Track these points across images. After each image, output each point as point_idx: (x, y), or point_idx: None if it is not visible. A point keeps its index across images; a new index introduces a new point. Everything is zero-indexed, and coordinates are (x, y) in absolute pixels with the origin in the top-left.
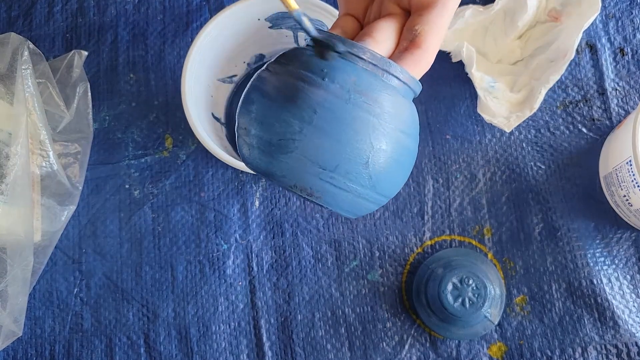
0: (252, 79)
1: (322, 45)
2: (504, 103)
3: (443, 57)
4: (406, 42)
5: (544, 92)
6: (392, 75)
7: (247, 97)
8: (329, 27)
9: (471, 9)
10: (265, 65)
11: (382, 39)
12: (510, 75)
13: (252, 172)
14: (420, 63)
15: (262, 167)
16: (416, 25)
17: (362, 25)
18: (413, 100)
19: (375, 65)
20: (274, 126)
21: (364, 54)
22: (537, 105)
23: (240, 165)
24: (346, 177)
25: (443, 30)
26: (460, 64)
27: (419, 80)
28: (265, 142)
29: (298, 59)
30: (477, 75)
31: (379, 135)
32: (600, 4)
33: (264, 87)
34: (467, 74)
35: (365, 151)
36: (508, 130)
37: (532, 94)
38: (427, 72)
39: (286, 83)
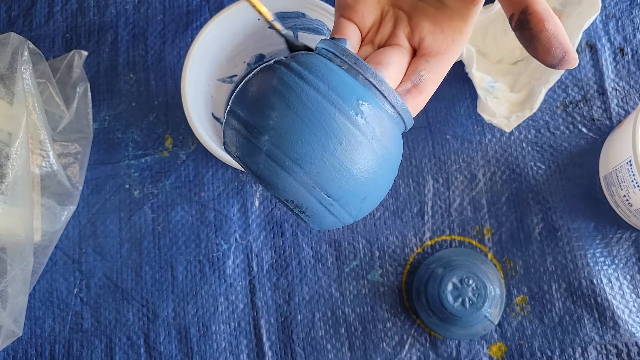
0: (270, 73)
1: (348, 63)
2: (504, 103)
3: None
4: (410, 84)
5: (544, 92)
6: (401, 117)
7: (266, 98)
8: (331, 29)
9: None
10: (288, 61)
11: (393, 73)
12: (510, 75)
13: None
14: (418, 107)
15: (267, 177)
16: (423, 71)
17: (362, 38)
18: None
19: (391, 105)
20: (296, 143)
21: (386, 90)
22: (537, 105)
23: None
24: (343, 207)
25: (443, 77)
26: (460, 64)
27: None
28: (281, 155)
29: (326, 76)
30: (477, 75)
31: (385, 175)
32: (600, 4)
33: (288, 95)
34: (467, 74)
35: (369, 188)
36: (508, 130)
37: (532, 94)
38: None
39: (317, 103)
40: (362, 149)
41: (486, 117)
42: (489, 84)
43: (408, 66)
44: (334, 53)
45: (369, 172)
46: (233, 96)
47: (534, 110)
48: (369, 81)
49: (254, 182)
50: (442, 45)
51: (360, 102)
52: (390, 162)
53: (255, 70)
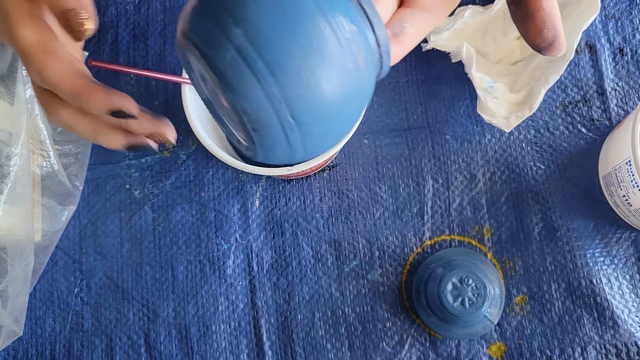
0: None
1: None
2: (503, 103)
3: (442, 57)
4: (390, 33)
5: (543, 92)
6: (381, 58)
7: None
8: None
9: (471, 9)
10: None
11: (382, 12)
12: (510, 75)
13: (251, 172)
14: (393, 59)
15: (229, 76)
16: (406, 22)
17: None
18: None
19: (377, 42)
20: (275, 46)
21: (377, 25)
22: (536, 106)
23: (241, 165)
24: (302, 136)
25: (425, 35)
26: (460, 64)
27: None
28: (254, 55)
29: None
30: (477, 76)
31: (355, 113)
32: (599, 5)
33: None
34: (466, 74)
35: (336, 123)
36: (507, 131)
37: (531, 94)
38: (426, 72)
39: (308, 7)
40: (344, 75)
41: (486, 117)
42: (489, 84)
43: (393, 15)
44: None
45: (343, 104)
46: None
47: (534, 110)
48: (363, 8)
49: (254, 182)
50: (432, 2)
51: (351, 24)
52: (362, 101)
53: None
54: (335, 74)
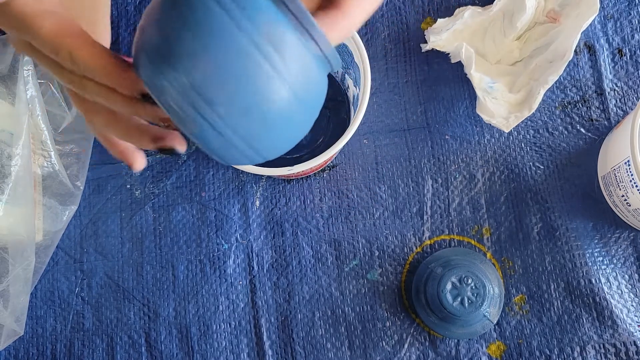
0: None
1: None
2: (502, 103)
3: (442, 57)
4: (326, 2)
5: (542, 92)
6: (312, 38)
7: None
8: None
9: (470, 10)
10: None
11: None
12: (509, 75)
13: (251, 172)
14: (338, 27)
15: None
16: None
17: None
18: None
19: (297, 20)
20: (168, 33)
21: (310, 26)
22: (535, 106)
23: (241, 165)
24: (221, 118)
25: (374, 5)
26: (460, 64)
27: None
28: (155, 47)
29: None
30: (476, 76)
31: (269, 88)
32: (598, 5)
33: (198, 19)
34: (466, 74)
35: (248, 98)
36: (507, 131)
37: (530, 95)
38: (426, 72)
39: (229, 33)
40: (281, 96)
41: (485, 117)
42: (488, 85)
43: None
44: None
45: (288, 120)
46: (145, 13)
47: (533, 110)
48: (292, 13)
49: (255, 182)
50: None
51: (280, 36)
52: (312, 108)
53: None
54: (272, 95)
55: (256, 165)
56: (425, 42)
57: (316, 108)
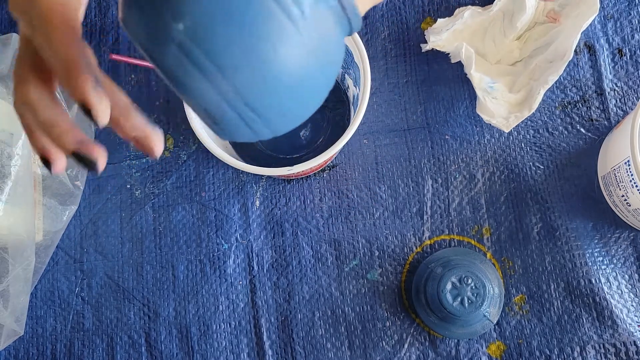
0: None
1: None
2: (502, 103)
3: (442, 57)
4: None
5: (542, 92)
6: (347, 17)
7: None
8: None
9: (470, 10)
10: None
11: None
12: (509, 75)
13: (251, 172)
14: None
15: (176, 76)
16: None
17: None
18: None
19: (339, 1)
20: (220, 41)
21: None
22: (535, 106)
23: (241, 165)
24: (265, 122)
25: None
26: (460, 64)
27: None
28: (198, 53)
29: None
30: (476, 76)
31: (284, 42)
32: (598, 5)
33: None
34: (466, 74)
35: (300, 104)
36: (507, 131)
37: (531, 95)
38: (426, 72)
39: None
40: (299, 57)
41: (485, 117)
42: (488, 85)
43: None
44: None
45: (304, 86)
46: None
47: (533, 110)
48: None
49: (255, 182)
50: None
51: (312, 2)
52: (328, 74)
53: None
54: (290, 55)
55: (256, 165)
56: (425, 42)
57: (333, 74)
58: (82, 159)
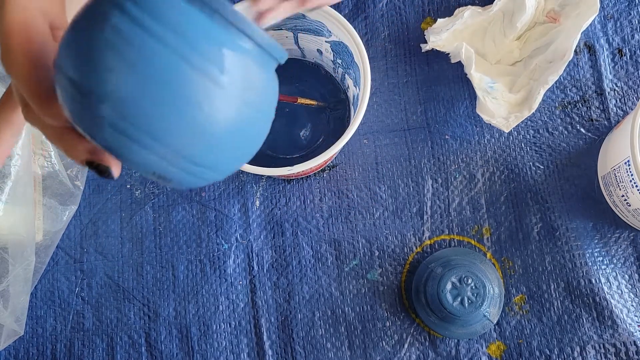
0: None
1: None
2: (502, 104)
3: (442, 57)
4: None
5: (542, 92)
6: (245, 34)
7: (99, 54)
8: None
9: (470, 10)
10: None
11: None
12: (509, 75)
13: (251, 172)
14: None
15: (117, 150)
16: None
17: None
18: None
19: (256, 44)
20: (146, 113)
21: (246, 27)
22: (535, 106)
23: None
24: (213, 170)
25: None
26: (459, 64)
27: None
28: (130, 128)
29: (174, 21)
30: (476, 76)
31: (206, 101)
32: (598, 5)
33: (128, 52)
34: (465, 74)
35: (242, 147)
36: (507, 131)
37: (530, 95)
38: (426, 72)
39: (167, 61)
40: (228, 108)
41: (485, 117)
42: (488, 85)
43: None
44: None
45: (241, 129)
46: (60, 43)
47: (533, 110)
48: (225, 18)
49: (255, 182)
50: None
51: (219, 50)
52: (265, 110)
53: (81, 10)
54: (218, 109)
55: (254, 165)
56: (425, 42)
57: (270, 109)
58: (96, 167)
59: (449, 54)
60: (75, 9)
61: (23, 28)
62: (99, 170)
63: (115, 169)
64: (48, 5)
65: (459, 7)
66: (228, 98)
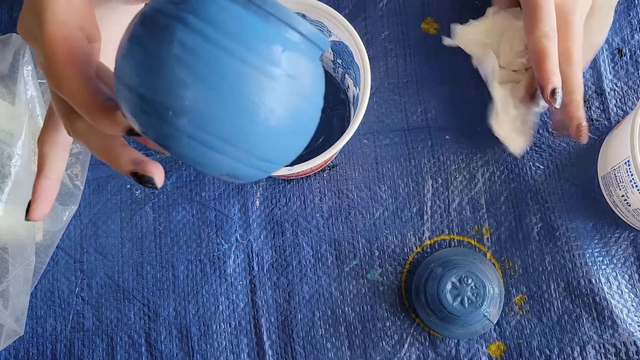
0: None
1: None
2: (522, 121)
3: (442, 57)
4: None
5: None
6: (293, 29)
7: (172, 72)
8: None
9: (501, 12)
10: (182, 13)
11: None
12: (511, 82)
13: None
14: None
15: (193, 158)
16: None
17: None
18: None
19: (272, 14)
20: (223, 122)
21: (293, 21)
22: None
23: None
24: (279, 164)
25: None
26: (459, 65)
27: None
28: (207, 137)
29: (236, 29)
30: (500, 91)
31: (270, 99)
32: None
33: (201, 67)
34: (466, 73)
35: (304, 140)
36: (518, 156)
37: (524, 126)
38: (426, 72)
39: (237, 70)
40: (290, 102)
41: (498, 132)
42: (512, 105)
43: None
44: None
45: (301, 121)
46: (119, 56)
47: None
48: (276, 17)
49: (255, 181)
50: None
51: (276, 48)
52: (316, 104)
53: (139, 24)
54: (282, 105)
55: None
56: (450, 36)
57: (320, 98)
58: (140, 178)
59: (470, 56)
60: (106, 23)
61: (66, 44)
62: (143, 180)
63: (159, 179)
64: (83, 20)
65: (460, 7)
66: (287, 93)
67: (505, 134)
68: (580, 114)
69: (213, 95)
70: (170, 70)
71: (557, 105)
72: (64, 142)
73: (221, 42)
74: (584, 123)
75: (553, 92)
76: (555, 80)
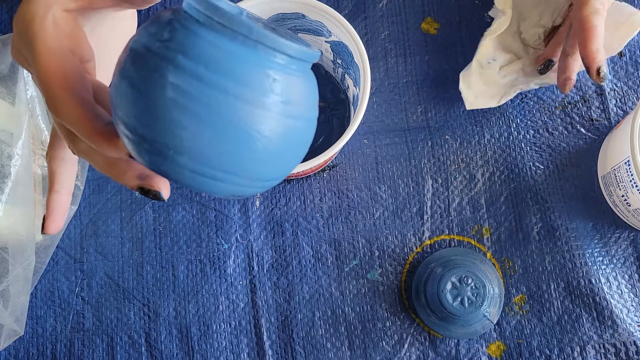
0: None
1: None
2: (485, 81)
3: (442, 57)
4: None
5: (516, 92)
6: (282, 53)
7: (167, 113)
8: None
9: None
10: (171, 53)
11: None
12: (510, 53)
13: None
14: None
15: (197, 187)
16: None
17: None
18: None
19: (259, 42)
20: (222, 156)
21: (240, 26)
22: (503, 102)
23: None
24: (279, 179)
25: None
26: (459, 65)
27: None
28: (208, 170)
29: (226, 66)
30: (486, 45)
31: (266, 128)
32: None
33: (196, 108)
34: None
35: (301, 156)
36: (468, 108)
37: (508, 90)
38: (426, 72)
39: (232, 108)
40: (292, 131)
41: (461, 85)
42: (487, 59)
43: None
44: (211, 18)
45: (302, 142)
46: (113, 91)
47: (498, 104)
48: (261, 43)
49: None
50: None
51: (272, 78)
52: (311, 119)
53: (130, 62)
54: (286, 136)
55: None
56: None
57: (314, 112)
58: (146, 192)
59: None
60: (98, 34)
61: (60, 71)
62: (149, 194)
63: (165, 192)
64: (74, 43)
65: (459, 7)
66: (281, 118)
67: (467, 85)
68: (601, 56)
69: (210, 132)
70: (166, 113)
71: (605, 83)
72: (70, 157)
73: (212, 81)
74: (605, 68)
75: (598, 70)
76: (600, 59)
